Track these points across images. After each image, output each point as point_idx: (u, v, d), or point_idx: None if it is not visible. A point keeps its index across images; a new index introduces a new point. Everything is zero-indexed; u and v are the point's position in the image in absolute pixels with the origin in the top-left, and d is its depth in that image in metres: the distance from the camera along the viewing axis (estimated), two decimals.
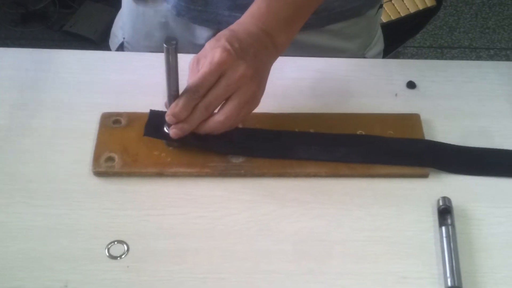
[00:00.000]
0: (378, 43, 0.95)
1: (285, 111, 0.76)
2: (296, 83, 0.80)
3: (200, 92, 0.65)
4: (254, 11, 0.69)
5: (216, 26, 0.83)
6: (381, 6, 0.92)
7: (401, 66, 0.83)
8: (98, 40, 1.91)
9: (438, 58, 2.05)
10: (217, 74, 0.65)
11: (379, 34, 0.96)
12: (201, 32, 0.86)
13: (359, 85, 0.80)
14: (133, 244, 0.64)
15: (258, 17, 0.69)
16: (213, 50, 0.65)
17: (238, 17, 0.70)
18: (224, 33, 0.67)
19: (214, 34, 0.70)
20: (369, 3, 0.87)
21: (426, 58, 2.03)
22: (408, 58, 2.02)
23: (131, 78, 0.80)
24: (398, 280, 0.62)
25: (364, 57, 0.91)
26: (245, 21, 0.69)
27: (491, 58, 2.04)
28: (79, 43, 1.93)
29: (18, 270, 0.62)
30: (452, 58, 2.04)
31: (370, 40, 0.92)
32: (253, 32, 0.68)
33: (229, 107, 0.66)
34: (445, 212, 0.66)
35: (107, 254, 0.63)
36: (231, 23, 0.70)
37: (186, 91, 0.66)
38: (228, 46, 0.65)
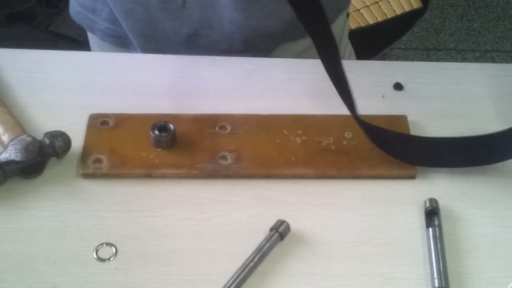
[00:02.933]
0: (349, 56, 0.95)
1: (273, 113, 0.76)
2: (284, 84, 0.80)
3: None
4: None
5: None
6: (347, 15, 0.91)
7: (388, 68, 0.83)
8: (85, 40, 1.90)
9: (424, 60, 2.06)
10: None
11: (349, 49, 0.95)
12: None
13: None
14: (122, 246, 0.64)
15: None
16: None
17: None
18: None
19: None
20: (333, 11, 0.87)
21: (412, 60, 2.05)
22: (395, 59, 2.04)
23: (120, 79, 0.79)
24: (386, 281, 0.63)
25: None
26: None
27: (476, 60, 2.06)
28: (65, 44, 1.92)
29: (5, 272, 0.62)
30: (438, 60, 2.06)
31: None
32: None
33: None
34: (432, 214, 0.67)
35: (95, 257, 0.63)
36: None
37: None
38: None
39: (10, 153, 0.67)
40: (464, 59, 2.05)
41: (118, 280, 0.62)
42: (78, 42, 1.91)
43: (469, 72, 0.83)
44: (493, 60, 2.05)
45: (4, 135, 0.70)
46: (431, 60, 2.04)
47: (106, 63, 0.82)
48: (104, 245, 0.64)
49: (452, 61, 2.05)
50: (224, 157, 0.71)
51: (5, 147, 0.68)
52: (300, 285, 0.62)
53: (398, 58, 2.05)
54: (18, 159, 0.67)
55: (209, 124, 0.74)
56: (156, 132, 0.71)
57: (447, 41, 2.11)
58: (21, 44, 1.91)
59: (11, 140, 0.69)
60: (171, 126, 0.71)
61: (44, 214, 0.66)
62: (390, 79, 0.82)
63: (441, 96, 0.80)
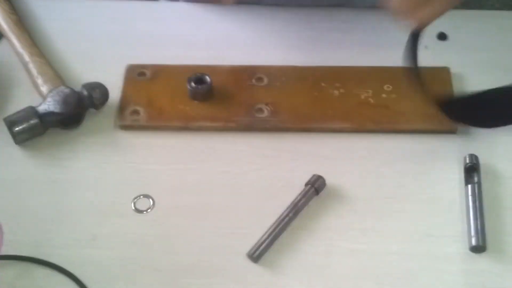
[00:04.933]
0: None
1: (312, 64, 0.75)
2: (322, 35, 0.78)
3: None
4: None
5: None
6: None
7: None
8: None
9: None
10: None
11: None
12: None
13: (387, 36, 0.77)
14: (159, 198, 0.65)
15: None
16: None
17: None
18: None
19: None
20: None
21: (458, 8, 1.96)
22: None
23: (159, 28, 0.79)
24: (422, 238, 0.62)
25: None
26: None
27: None
28: None
29: (45, 222, 0.63)
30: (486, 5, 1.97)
31: None
32: None
33: None
34: (471, 170, 0.65)
35: (133, 208, 0.64)
36: None
37: None
38: None
39: (49, 105, 0.68)
40: None
41: (156, 232, 0.63)
42: None
43: None
44: None
45: (43, 86, 0.71)
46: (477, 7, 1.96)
47: (142, 12, 0.81)
48: (141, 196, 0.65)
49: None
50: (260, 110, 0.71)
51: (44, 99, 0.69)
52: (335, 241, 0.62)
53: None
54: (57, 110, 0.68)
55: (246, 75, 0.74)
56: (193, 84, 0.71)
57: None
58: None
59: (50, 92, 0.69)
60: (208, 78, 0.71)
61: (83, 165, 0.67)
62: (434, 28, 0.79)
63: (488, 46, 0.77)
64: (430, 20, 0.62)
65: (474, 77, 0.74)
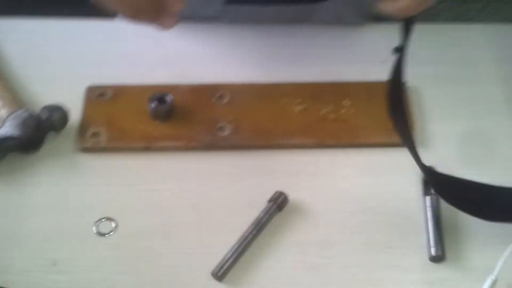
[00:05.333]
0: None
1: (272, 81, 0.75)
2: (282, 52, 0.79)
3: None
4: None
5: None
6: None
7: (386, 31, 0.81)
8: None
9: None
10: None
11: None
12: None
13: (344, 52, 0.79)
14: (121, 220, 0.65)
15: None
16: None
17: None
18: None
19: None
20: None
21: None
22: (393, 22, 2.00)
23: (117, 47, 0.79)
24: (383, 249, 0.63)
25: None
26: None
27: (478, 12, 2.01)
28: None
29: (6, 249, 0.63)
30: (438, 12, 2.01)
31: None
32: None
33: None
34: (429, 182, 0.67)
35: (96, 231, 0.64)
36: None
37: None
38: None
39: (8, 129, 0.68)
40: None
41: (119, 254, 0.63)
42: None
43: (471, 35, 0.81)
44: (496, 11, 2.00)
45: (1, 110, 0.70)
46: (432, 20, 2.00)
47: (100, 32, 0.81)
48: (104, 219, 0.65)
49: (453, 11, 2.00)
50: (222, 128, 0.71)
51: (3, 123, 0.68)
52: (299, 256, 0.63)
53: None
54: (16, 134, 0.67)
55: (207, 94, 0.74)
56: (153, 104, 0.71)
57: None
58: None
59: (9, 115, 0.69)
60: (168, 97, 0.71)
61: (43, 189, 0.67)
62: (389, 43, 0.80)
63: (443, 59, 0.79)
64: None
65: (430, 90, 0.76)
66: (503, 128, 0.72)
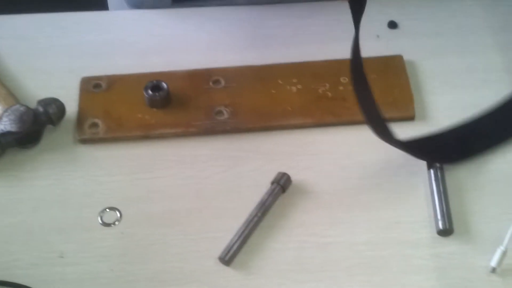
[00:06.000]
0: None
1: (267, 62, 0.75)
2: (276, 32, 0.79)
3: None
4: None
5: None
6: None
7: (381, 5, 0.81)
8: None
9: None
10: None
11: None
12: None
13: (340, 28, 0.78)
14: (125, 209, 0.64)
15: None
16: None
17: None
18: None
19: None
20: None
21: None
22: None
23: (110, 38, 0.78)
24: (390, 225, 0.63)
25: None
26: None
27: None
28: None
29: (11, 244, 0.62)
30: None
31: None
32: None
33: None
34: None
35: (100, 222, 0.63)
36: None
37: None
38: None
39: (5, 125, 0.67)
40: None
41: (125, 243, 0.62)
42: None
43: (467, 3, 0.80)
44: None
45: None
46: None
47: (92, 23, 0.80)
48: (107, 209, 0.64)
49: None
50: (220, 112, 0.71)
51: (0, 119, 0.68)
52: (305, 236, 0.62)
53: None
54: (13, 129, 0.67)
55: (203, 79, 0.73)
56: (150, 92, 0.70)
57: None
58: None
59: (5, 111, 0.68)
60: (164, 84, 0.70)
61: (45, 183, 0.66)
62: (383, 17, 0.80)
63: (438, 31, 0.78)
64: None
65: (427, 63, 0.75)
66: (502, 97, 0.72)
